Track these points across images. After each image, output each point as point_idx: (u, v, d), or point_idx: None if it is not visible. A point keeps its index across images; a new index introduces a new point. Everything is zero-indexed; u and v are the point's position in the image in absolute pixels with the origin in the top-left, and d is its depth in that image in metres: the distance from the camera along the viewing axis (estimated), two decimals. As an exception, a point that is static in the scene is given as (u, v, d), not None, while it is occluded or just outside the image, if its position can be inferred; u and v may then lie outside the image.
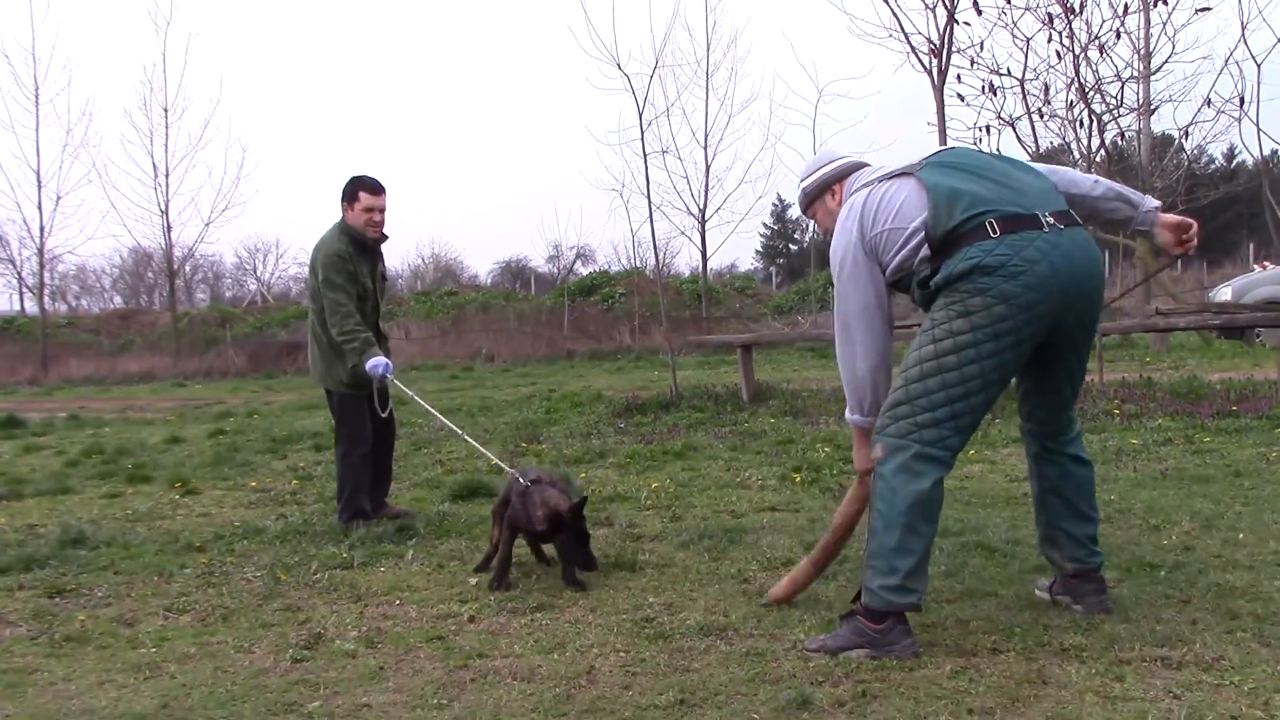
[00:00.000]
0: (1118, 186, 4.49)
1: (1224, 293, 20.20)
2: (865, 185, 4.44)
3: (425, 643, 4.57)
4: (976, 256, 4.04)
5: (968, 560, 5.43)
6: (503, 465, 6.60)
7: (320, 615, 5.07)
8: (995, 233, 4.05)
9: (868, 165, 4.67)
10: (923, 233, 4.19)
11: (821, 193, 4.76)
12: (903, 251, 4.25)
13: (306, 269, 7.27)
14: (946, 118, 12.32)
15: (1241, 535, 5.71)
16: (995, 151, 4.62)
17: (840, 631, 4.25)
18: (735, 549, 5.93)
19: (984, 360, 4.06)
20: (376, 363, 6.90)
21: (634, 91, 13.64)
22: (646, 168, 13.84)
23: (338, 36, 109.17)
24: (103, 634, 4.87)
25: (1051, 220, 4.12)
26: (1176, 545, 5.51)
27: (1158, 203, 4.50)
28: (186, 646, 4.65)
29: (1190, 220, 4.39)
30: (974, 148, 4.75)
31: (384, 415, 7.26)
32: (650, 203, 13.86)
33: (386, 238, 7.23)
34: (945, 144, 11.06)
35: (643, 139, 13.74)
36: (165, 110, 32.07)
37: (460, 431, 7.68)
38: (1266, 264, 22.18)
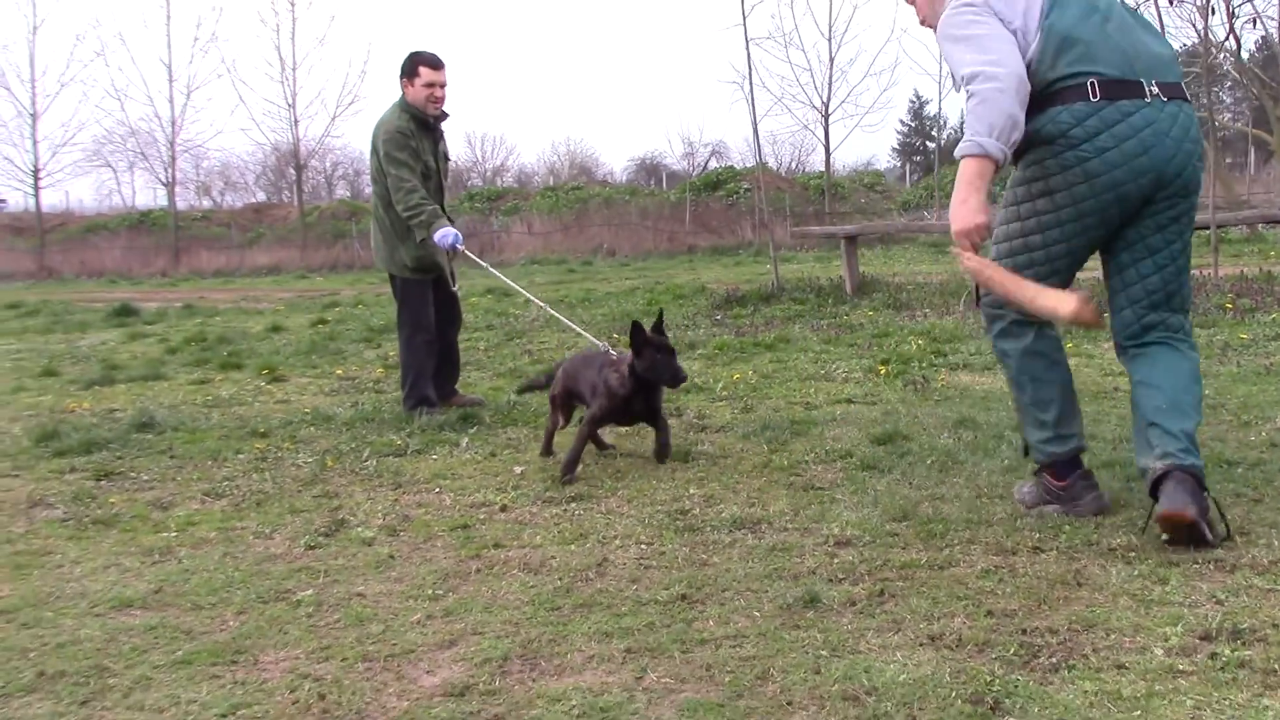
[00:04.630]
0: None
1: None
2: None
3: (448, 531, 4.40)
4: (1067, 123, 3.81)
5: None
6: (583, 332, 6.28)
7: (354, 502, 4.93)
8: (1094, 96, 3.79)
9: None
10: (1027, 66, 3.84)
11: None
12: None
13: (369, 152, 7.07)
14: None
15: (1345, 433, 5.26)
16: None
17: (1030, 487, 4.30)
18: (797, 440, 5.66)
19: (1069, 239, 3.95)
20: (446, 233, 6.71)
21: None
22: (749, 54, 13.48)
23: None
24: (134, 517, 4.79)
25: (1155, 91, 3.83)
26: (1263, 442, 5.08)
27: None
28: (208, 532, 4.54)
29: None
30: None
31: (453, 288, 7.11)
32: (752, 92, 13.41)
33: (447, 115, 7.00)
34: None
35: (744, 24, 13.28)
36: (292, 2, 32.26)
37: (529, 295, 7.50)
38: None
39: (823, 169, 33.75)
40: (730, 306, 12.37)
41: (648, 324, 5.40)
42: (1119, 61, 3.83)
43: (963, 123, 3.93)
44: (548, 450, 5.71)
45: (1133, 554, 3.68)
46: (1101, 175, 3.79)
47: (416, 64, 6.86)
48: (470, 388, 7.85)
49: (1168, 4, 12.55)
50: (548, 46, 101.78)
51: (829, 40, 23.38)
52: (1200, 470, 3.77)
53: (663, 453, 5.42)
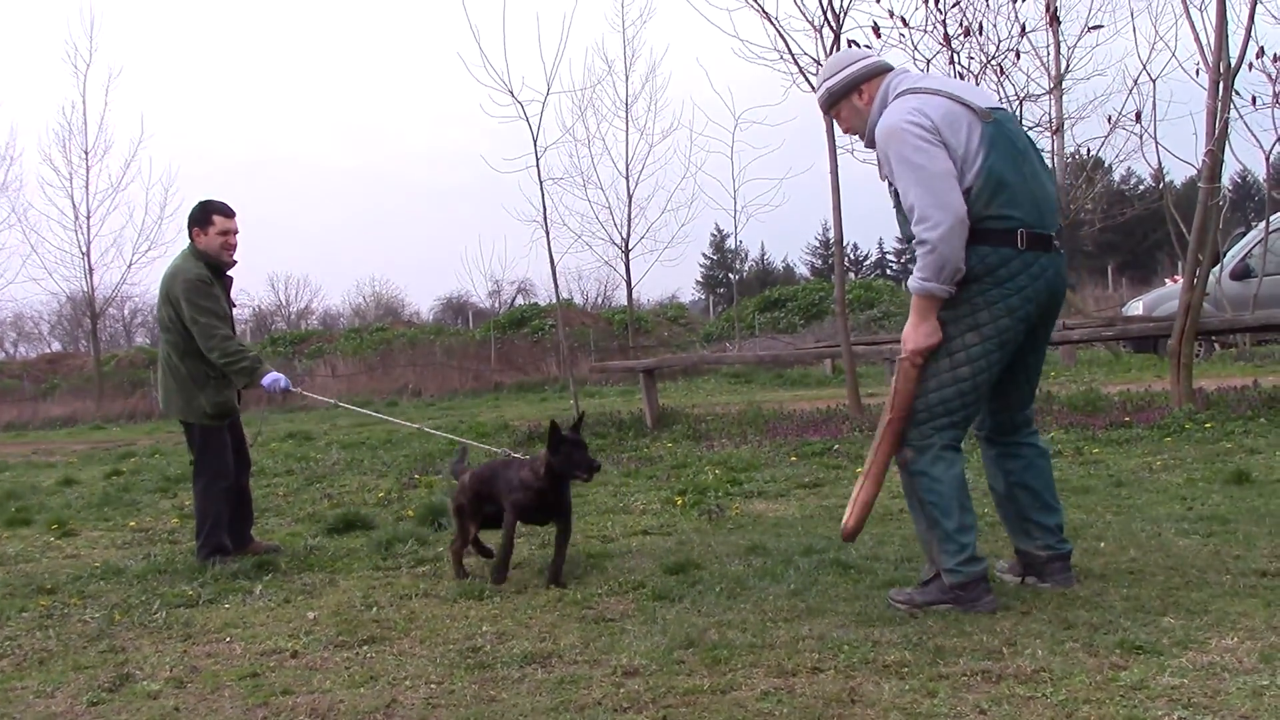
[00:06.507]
0: None
1: (1136, 307, 20.20)
2: (937, 94, 4.56)
3: (236, 680, 4.37)
4: (995, 264, 4.47)
5: (819, 578, 5.30)
6: (485, 446, 6.45)
7: (141, 655, 4.85)
8: (1021, 246, 4.46)
9: (894, 68, 4.84)
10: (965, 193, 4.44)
11: (849, 92, 4.83)
12: None
13: (159, 301, 7.04)
14: (840, 141, 12.17)
15: (1103, 544, 5.63)
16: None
17: (929, 588, 4.66)
18: (592, 575, 5.78)
19: (992, 368, 4.58)
20: (276, 378, 6.82)
21: (528, 119, 13.52)
22: (543, 194, 13.82)
23: (265, 73, 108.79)
24: (-95, 684, 4.63)
25: (1056, 244, 4.61)
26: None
27: None
28: (-15, 693, 4.43)
29: None
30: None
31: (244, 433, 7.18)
32: (548, 230, 13.72)
33: (236, 262, 7.05)
34: (835, 165, 10.96)
35: (538, 165, 13.64)
36: (86, 153, 31.62)
37: (402, 421, 7.51)
38: (1178, 278, 22.24)
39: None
40: (533, 443, 12.48)
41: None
42: (1034, 212, 4.52)
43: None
44: (461, 572, 5.94)
45: (906, 669, 3.89)
46: (1021, 309, 4.51)
47: (210, 213, 6.92)
48: (268, 534, 7.79)
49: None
50: (352, 189, 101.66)
51: (626, 178, 23.94)
52: (1070, 551, 4.93)
53: (561, 550, 5.74)
